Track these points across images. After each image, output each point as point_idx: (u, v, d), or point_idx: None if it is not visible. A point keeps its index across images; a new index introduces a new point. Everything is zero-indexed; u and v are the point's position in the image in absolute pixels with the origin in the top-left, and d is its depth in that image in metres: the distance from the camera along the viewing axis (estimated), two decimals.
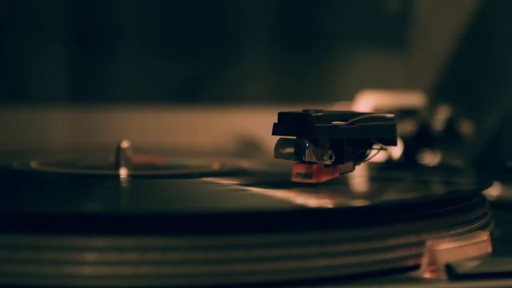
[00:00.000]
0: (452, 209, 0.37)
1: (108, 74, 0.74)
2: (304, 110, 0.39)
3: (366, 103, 0.62)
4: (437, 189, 0.44)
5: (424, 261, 0.33)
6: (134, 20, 0.75)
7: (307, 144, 0.38)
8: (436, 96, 0.67)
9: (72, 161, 0.53)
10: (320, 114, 0.38)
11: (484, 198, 0.41)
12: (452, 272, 0.32)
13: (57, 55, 0.72)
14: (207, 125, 0.74)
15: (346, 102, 0.68)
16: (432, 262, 0.33)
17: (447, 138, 0.59)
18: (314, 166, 0.38)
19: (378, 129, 0.40)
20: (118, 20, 0.74)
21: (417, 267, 0.33)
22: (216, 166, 0.49)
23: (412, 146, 0.58)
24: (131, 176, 0.44)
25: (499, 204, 0.50)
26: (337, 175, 0.40)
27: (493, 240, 0.37)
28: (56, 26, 0.72)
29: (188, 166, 0.50)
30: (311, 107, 0.42)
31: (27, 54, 0.72)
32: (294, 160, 0.39)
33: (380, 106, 0.61)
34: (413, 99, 0.62)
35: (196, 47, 0.76)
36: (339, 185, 0.40)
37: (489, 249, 0.35)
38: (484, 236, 0.36)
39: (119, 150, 0.46)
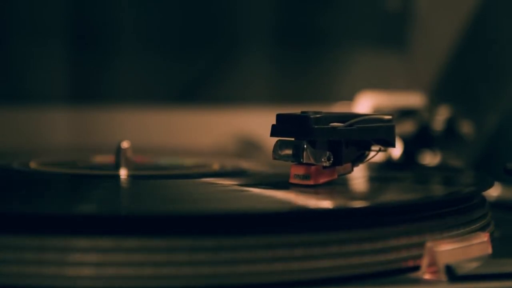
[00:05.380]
0: (452, 210, 0.37)
1: (108, 74, 0.74)
2: (302, 112, 0.39)
3: (366, 103, 0.62)
4: (437, 190, 0.44)
5: (424, 262, 0.33)
6: (134, 20, 0.75)
7: (305, 146, 0.38)
8: (436, 96, 0.67)
9: (72, 161, 0.53)
10: (318, 115, 0.38)
11: (484, 199, 0.41)
12: (452, 274, 0.32)
13: (57, 55, 0.72)
14: (207, 125, 0.74)
15: (345, 102, 0.68)
16: (432, 263, 0.33)
17: (447, 138, 0.59)
18: (312, 167, 0.38)
19: (376, 130, 0.40)
20: (118, 20, 0.74)
21: (417, 268, 0.33)
22: (216, 166, 0.49)
23: (412, 147, 0.58)
24: (131, 177, 0.44)
25: (499, 204, 0.50)
26: (335, 176, 0.40)
27: (493, 241, 0.37)
28: (56, 26, 0.72)
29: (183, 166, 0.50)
30: (311, 107, 0.42)
31: (27, 54, 0.72)
32: (292, 161, 0.39)
33: (380, 106, 0.61)
34: (413, 99, 0.62)
35: (196, 47, 0.76)
36: (339, 186, 0.40)
37: (489, 250, 0.35)
38: (484, 237, 0.36)
39: (119, 150, 0.46)
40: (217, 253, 0.30)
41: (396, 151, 0.57)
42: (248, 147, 0.71)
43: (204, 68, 0.76)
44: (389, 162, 0.56)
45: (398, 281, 0.32)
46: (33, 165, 0.48)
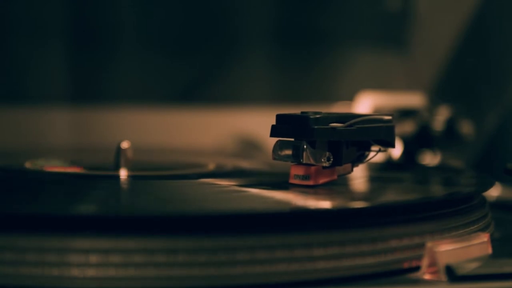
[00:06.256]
0: (452, 211, 0.37)
1: (108, 74, 0.74)
2: (302, 112, 0.39)
3: (365, 103, 0.62)
4: (437, 190, 0.44)
5: (424, 262, 0.33)
6: (134, 20, 0.75)
7: (305, 146, 0.38)
8: (436, 96, 0.67)
9: (72, 161, 0.53)
10: (318, 116, 0.38)
11: (484, 199, 0.41)
12: (452, 274, 0.32)
13: (57, 55, 0.72)
14: (207, 125, 0.74)
15: (345, 102, 0.68)
16: (432, 264, 0.33)
17: (447, 139, 0.59)
18: (312, 168, 0.38)
19: (376, 131, 0.40)
20: (118, 20, 0.74)
21: (417, 268, 0.33)
22: (215, 166, 0.49)
23: (412, 147, 0.58)
24: (130, 177, 0.44)
25: (499, 205, 0.50)
26: (335, 177, 0.40)
27: (493, 241, 0.37)
28: (56, 26, 0.72)
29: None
30: (311, 107, 0.42)
31: (27, 54, 0.72)
32: (292, 162, 0.39)
33: (380, 106, 0.61)
34: (413, 99, 0.62)
35: (196, 47, 0.76)
36: (339, 186, 0.40)
37: (489, 250, 0.35)
38: (484, 237, 0.36)
39: (119, 150, 0.46)
40: (216, 254, 0.30)
41: (396, 151, 0.57)
42: (248, 147, 0.71)
43: (204, 68, 0.76)
44: (389, 162, 0.56)
45: (398, 282, 0.32)
46: (32, 165, 0.48)
